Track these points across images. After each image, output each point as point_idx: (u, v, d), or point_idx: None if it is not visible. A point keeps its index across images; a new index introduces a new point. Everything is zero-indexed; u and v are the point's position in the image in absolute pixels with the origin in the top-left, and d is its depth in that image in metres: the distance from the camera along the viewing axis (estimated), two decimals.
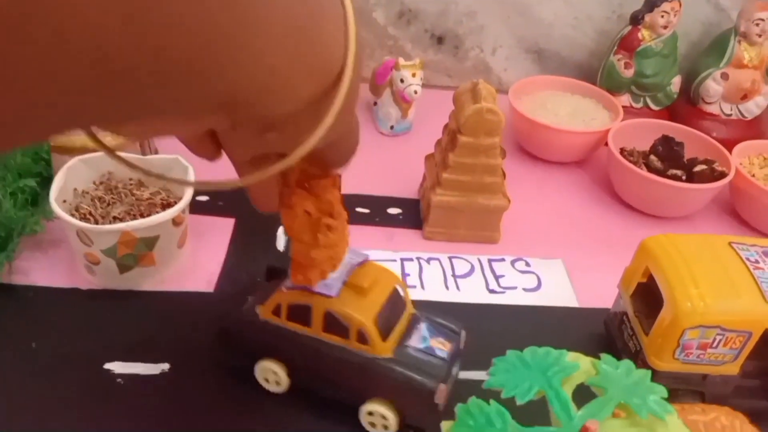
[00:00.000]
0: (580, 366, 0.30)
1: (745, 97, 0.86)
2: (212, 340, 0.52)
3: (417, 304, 0.51)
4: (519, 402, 0.29)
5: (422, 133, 0.80)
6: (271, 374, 0.50)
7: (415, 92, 0.79)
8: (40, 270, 0.59)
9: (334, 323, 0.47)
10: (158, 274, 0.59)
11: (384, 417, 0.47)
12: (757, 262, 0.50)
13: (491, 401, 0.29)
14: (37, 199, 0.62)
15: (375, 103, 0.86)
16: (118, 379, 0.51)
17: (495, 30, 0.92)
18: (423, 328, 0.49)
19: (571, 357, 0.31)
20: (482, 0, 0.89)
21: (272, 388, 0.51)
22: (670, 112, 0.89)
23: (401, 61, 0.80)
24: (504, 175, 0.68)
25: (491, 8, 0.90)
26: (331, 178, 0.42)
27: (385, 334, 0.47)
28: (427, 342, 0.48)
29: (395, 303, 0.49)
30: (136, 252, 0.56)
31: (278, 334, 0.48)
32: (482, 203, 0.66)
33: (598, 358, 0.33)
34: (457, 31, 0.92)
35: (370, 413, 0.47)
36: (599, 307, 0.60)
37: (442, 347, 0.47)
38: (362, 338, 0.46)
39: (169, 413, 0.49)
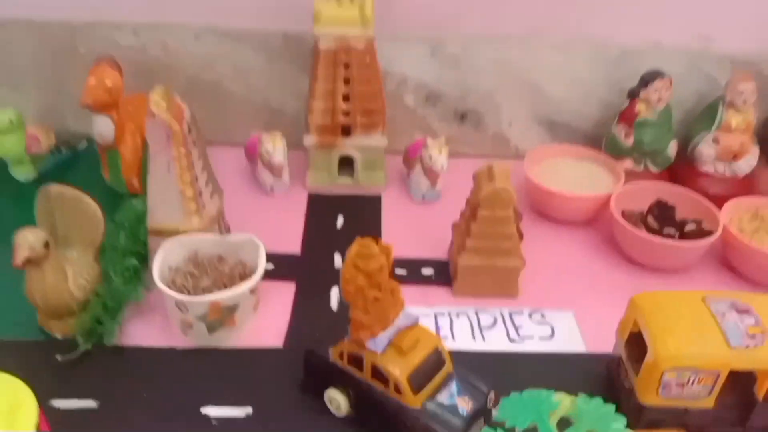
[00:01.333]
0: (561, 403, 0.42)
1: (735, 157, 0.97)
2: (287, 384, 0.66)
3: (455, 361, 0.63)
4: (518, 430, 0.41)
5: (450, 200, 0.92)
6: (335, 400, 0.64)
7: (442, 167, 0.93)
8: (143, 333, 0.74)
9: (378, 373, 0.60)
10: (239, 333, 0.72)
11: None
12: (723, 314, 0.61)
13: (498, 429, 0.41)
14: (138, 273, 0.77)
15: (408, 175, 1.00)
16: (213, 422, 0.64)
17: (511, 106, 1.05)
18: (453, 386, 0.61)
19: (558, 396, 0.43)
20: (499, 81, 1.03)
21: (335, 411, 0.64)
22: (670, 173, 1.01)
23: (429, 140, 0.93)
24: (521, 236, 0.81)
25: (507, 88, 1.03)
26: (379, 261, 0.56)
27: (417, 388, 0.59)
28: (454, 399, 0.60)
29: (433, 361, 0.61)
30: (222, 317, 0.69)
31: (341, 371, 0.63)
32: (501, 265, 0.79)
33: (582, 395, 0.45)
34: (477, 109, 1.06)
35: None
36: (604, 352, 0.71)
37: (465, 405, 0.60)
38: (398, 389, 0.59)
39: None
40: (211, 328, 0.70)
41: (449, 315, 0.79)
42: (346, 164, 0.99)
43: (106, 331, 0.71)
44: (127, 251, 0.77)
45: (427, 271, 0.86)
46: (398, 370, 0.59)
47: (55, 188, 0.70)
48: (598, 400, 0.43)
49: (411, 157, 0.99)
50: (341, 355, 0.62)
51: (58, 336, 0.72)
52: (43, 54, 1.01)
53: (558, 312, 0.80)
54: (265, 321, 0.75)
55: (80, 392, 0.66)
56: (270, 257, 0.82)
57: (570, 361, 0.73)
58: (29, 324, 0.73)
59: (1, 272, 0.70)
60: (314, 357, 0.65)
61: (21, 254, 0.64)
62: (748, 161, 0.98)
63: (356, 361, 0.61)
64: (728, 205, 0.89)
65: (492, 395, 0.62)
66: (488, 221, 0.77)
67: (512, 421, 0.41)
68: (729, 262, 0.88)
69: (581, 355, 0.74)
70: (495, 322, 0.78)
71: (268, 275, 0.81)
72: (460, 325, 0.77)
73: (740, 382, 0.63)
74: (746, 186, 1.00)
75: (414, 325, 0.62)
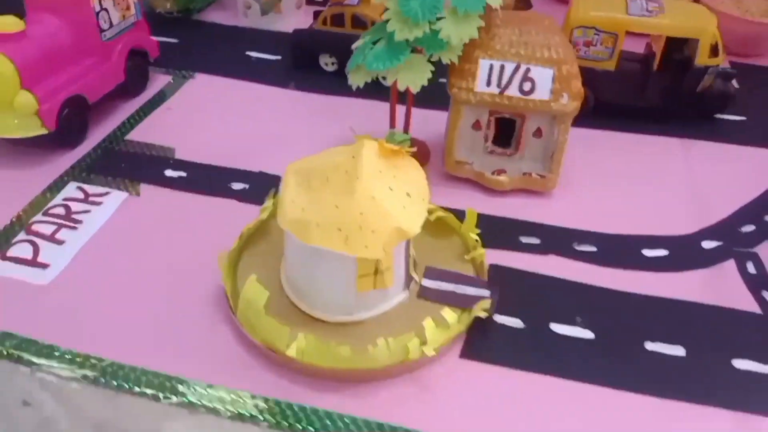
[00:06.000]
0: None
1: None
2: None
3: None
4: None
5: None
6: (327, 61, 0.87)
7: None
8: (214, 13, 1.02)
9: (359, 22, 0.83)
10: (284, 22, 0.98)
11: None
12: None
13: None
14: None
15: None
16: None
17: None
18: None
19: None
20: None
21: (329, 69, 0.88)
22: None
23: None
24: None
25: None
26: None
27: None
28: None
29: None
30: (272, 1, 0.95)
31: (326, 35, 0.85)
32: None
33: None
34: None
35: None
36: None
37: None
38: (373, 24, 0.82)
39: None
40: (263, 11, 0.96)
41: None
42: None
43: (195, 8, 1.00)
44: None
45: None
46: (375, 12, 0.81)
47: None
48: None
49: None
50: (325, 21, 0.85)
51: (162, 10, 1.01)
52: None
53: None
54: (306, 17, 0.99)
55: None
56: None
57: None
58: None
59: None
60: (302, 32, 0.87)
61: None
62: None
63: (338, 20, 0.83)
64: None
65: None
66: None
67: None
68: None
69: None
70: None
71: None
72: None
73: (644, 62, 0.81)
74: None
75: None
